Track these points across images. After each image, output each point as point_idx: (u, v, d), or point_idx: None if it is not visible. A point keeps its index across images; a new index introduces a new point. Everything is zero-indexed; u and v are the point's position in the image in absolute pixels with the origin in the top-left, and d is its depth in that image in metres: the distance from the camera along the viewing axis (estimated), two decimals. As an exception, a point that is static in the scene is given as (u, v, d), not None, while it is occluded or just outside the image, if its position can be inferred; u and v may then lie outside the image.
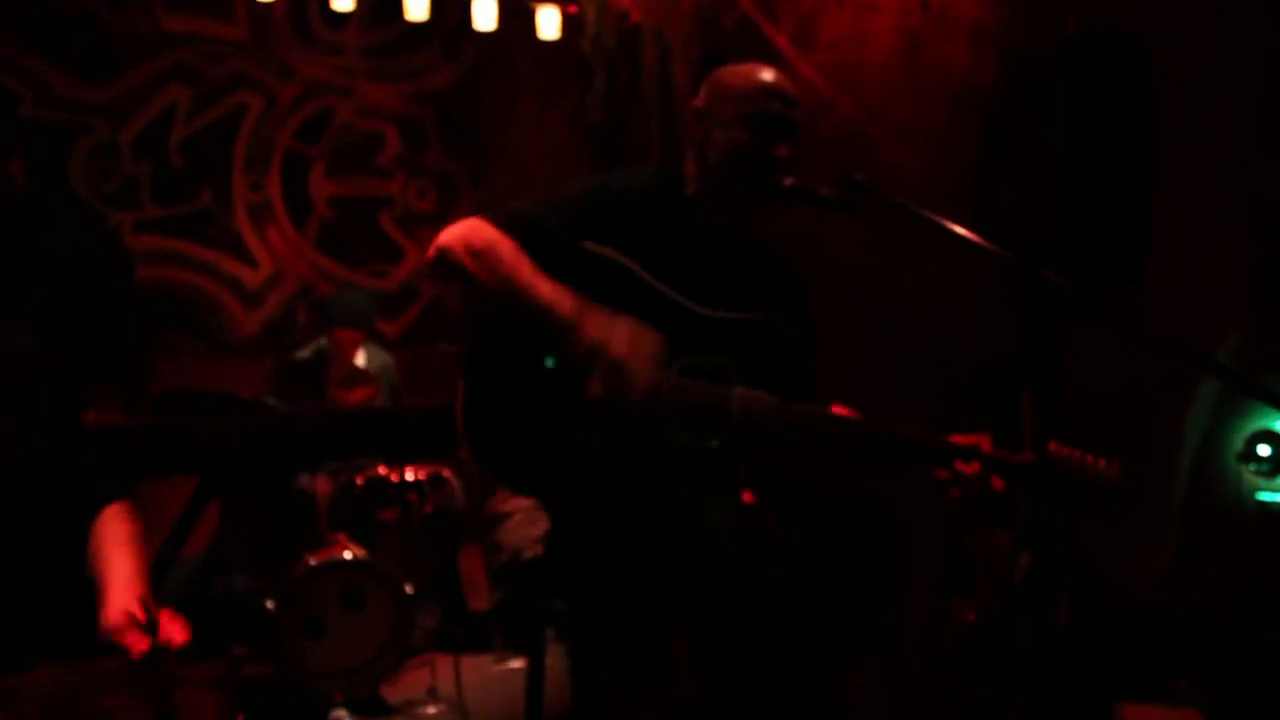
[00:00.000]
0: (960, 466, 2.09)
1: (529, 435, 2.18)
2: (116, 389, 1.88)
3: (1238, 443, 3.62)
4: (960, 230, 1.95)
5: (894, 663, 3.91)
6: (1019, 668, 3.52)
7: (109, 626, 1.79)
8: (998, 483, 2.08)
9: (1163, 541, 3.76)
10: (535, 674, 2.39)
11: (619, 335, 2.11)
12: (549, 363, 2.14)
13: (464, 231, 2.15)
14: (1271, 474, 3.57)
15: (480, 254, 2.12)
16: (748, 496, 2.29)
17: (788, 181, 2.15)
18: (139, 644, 1.70)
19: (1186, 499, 3.75)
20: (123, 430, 2.10)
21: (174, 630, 1.77)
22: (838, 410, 2.22)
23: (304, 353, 4.64)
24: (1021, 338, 3.82)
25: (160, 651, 1.69)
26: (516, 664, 4.10)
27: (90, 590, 1.84)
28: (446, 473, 4.42)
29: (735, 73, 2.28)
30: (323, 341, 4.77)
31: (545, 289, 2.10)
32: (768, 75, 2.24)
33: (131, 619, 1.75)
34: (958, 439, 2.13)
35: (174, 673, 1.65)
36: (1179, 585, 3.71)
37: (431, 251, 2.17)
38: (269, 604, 3.62)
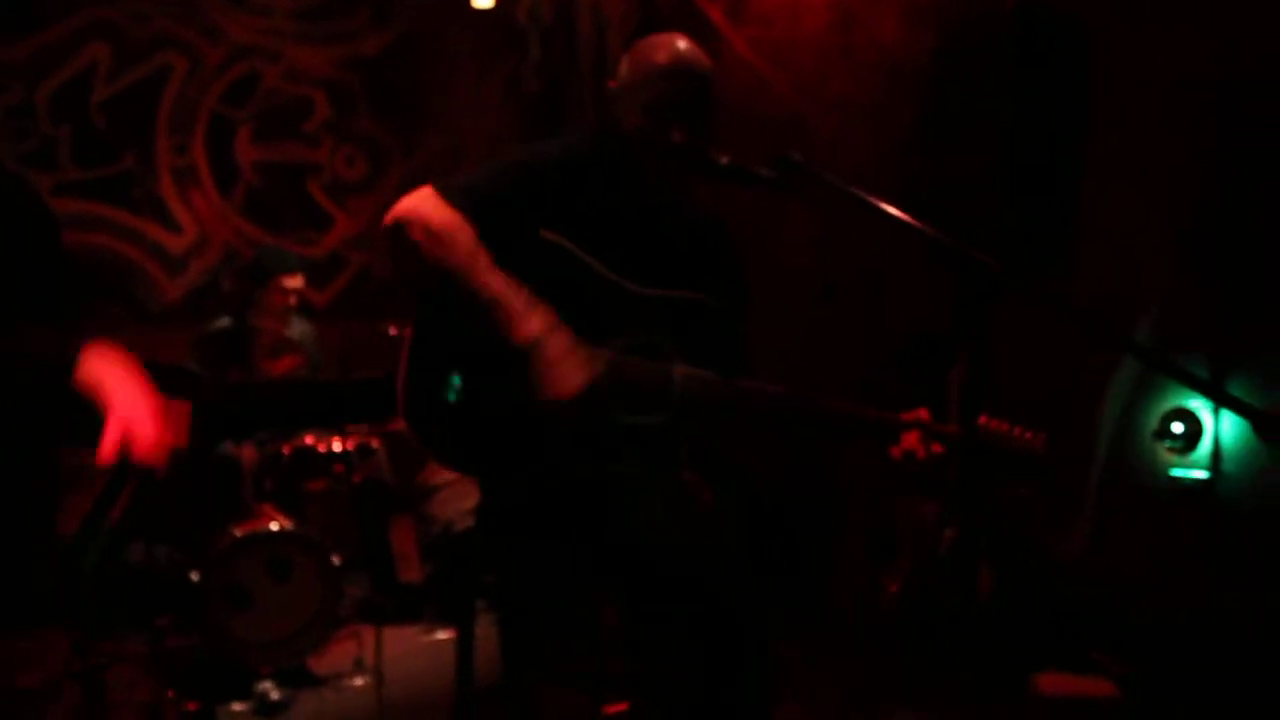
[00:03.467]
0: (904, 437, 2.15)
1: (469, 413, 2.17)
2: (50, 333, 1.82)
3: (1153, 421, 3.72)
4: (894, 211, 1.98)
5: (827, 634, 3.97)
6: (941, 638, 3.60)
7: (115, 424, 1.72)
8: (938, 446, 2.16)
9: (1080, 517, 3.86)
10: (465, 646, 2.39)
11: (560, 338, 2.11)
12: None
13: (420, 208, 2.13)
14: (1185, 450, 3.67)
15: (438, 236, 2.10)
16: (687, 475, 2.31)
17: (724, 160, 2.16)
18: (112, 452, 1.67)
19: (1104, 476, 3.84)
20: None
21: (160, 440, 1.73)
22: (774, 387, 2.25)
23: (222, 322, 4.54)
24: (951, 315, 3.89)
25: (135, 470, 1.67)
26: (443, 635, 4.11)
27: (18, 560, 1.79)
28: (375, 443, 4.38)
29: (640, 51, 2.29)
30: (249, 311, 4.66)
31: (499, 280, 2.09)
32: (662, 56, 2.24)
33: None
34: (900, 415, 2.21)
35: (102, 648, 1.62)
36: (1096, 560, 3.80)
37: (388, 220, 2.15)
38: (194, 575, 3.58)
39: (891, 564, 4.07)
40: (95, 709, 1.46)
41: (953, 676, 2.08)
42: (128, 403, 1.75)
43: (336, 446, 4.18)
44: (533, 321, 2.09)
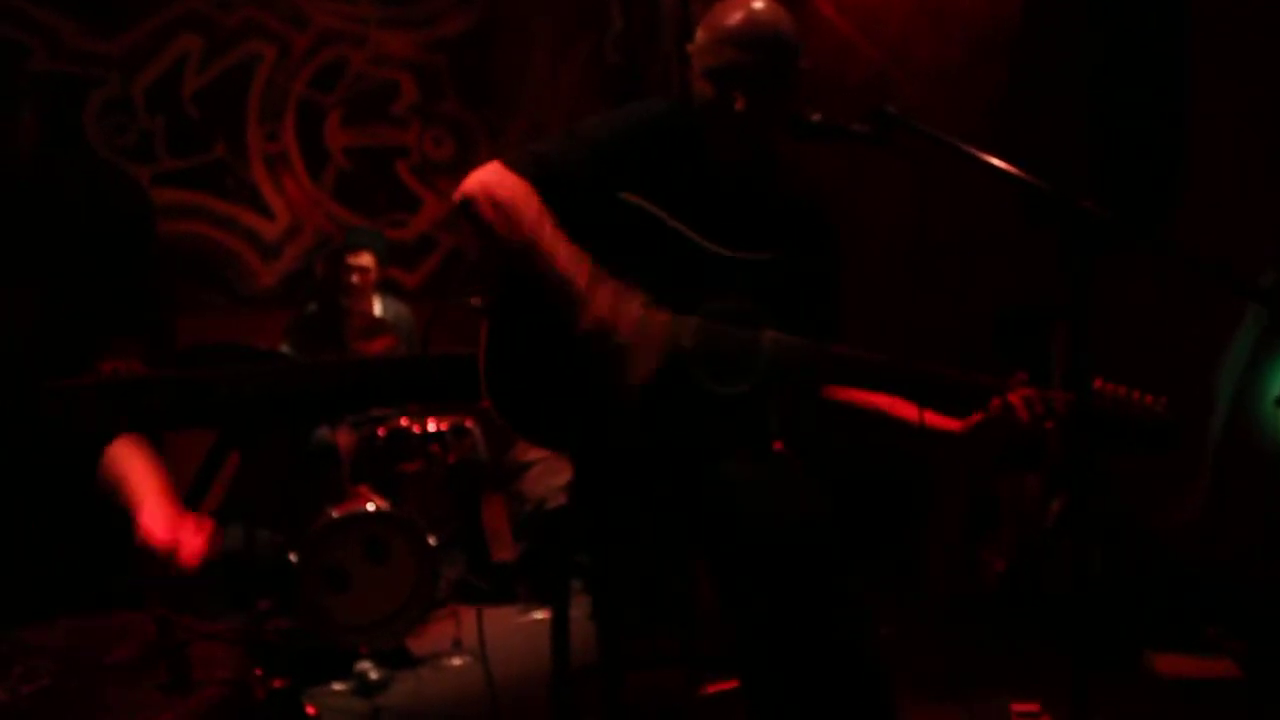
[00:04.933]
0: (1013, 400, 2.02)
1: (553, 387, 2.14)
2: (137, 339, 1.85)
3: (1275, 387, 3.54)
4: (995, 161, 1.88)
5: (922, 613, 3.87)
6: (1049, 616, 3.48)
7: (146, 535, 1.82)
8: (1050, 423, 2.01)
9: (1196, 487, 3.70)
10: (560, 625, 2.36)
11: (627, 316, 2.06)
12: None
13: (488, 180, 2.10)
14: (1309, 418, 3.49)
15: (503, 207, 2.07)
16: (777, 445, 2.24)
17: (815, 117, 2.07)
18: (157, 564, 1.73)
19: (1221, 444, 3.67)
20: (143, 381, 2.08)
21: (195, 544, 1.81)
22: (870, 354, 2.16)
23: (312, 307, 4.60)
24: (1047, 283, 3.74)
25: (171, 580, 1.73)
26: (540, 615, 4.10)
27: (103, 544, 1.82)
28: (469, 423, 4.39)
29: (714, 13, 2.20)
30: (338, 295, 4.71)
31: (563, 257, 2.05)
32: (732, 19, 2.15)
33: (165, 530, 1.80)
34: (1005, 379, 2.08)
35: (188, 625, 1.63)
36: (1212, 532, 3.64)
37: (456, 197, 2.13)
38: (292, 557, 3.61)
39: (992, 540, 3.95)
40: (181, 684, 1.47)
41: (1062, 657, 1.99)
42: (150, 514, 1.84)
43: (431, 427, 4.20)
44: (596, 303, 2.04)
